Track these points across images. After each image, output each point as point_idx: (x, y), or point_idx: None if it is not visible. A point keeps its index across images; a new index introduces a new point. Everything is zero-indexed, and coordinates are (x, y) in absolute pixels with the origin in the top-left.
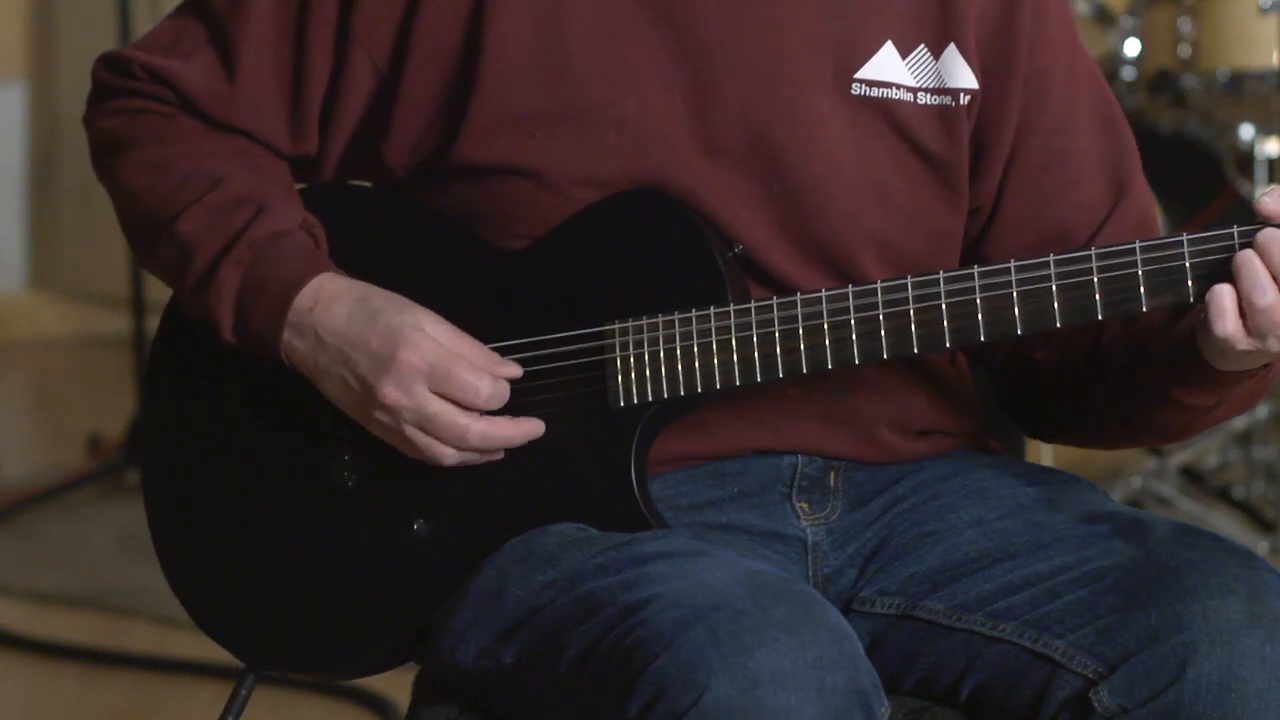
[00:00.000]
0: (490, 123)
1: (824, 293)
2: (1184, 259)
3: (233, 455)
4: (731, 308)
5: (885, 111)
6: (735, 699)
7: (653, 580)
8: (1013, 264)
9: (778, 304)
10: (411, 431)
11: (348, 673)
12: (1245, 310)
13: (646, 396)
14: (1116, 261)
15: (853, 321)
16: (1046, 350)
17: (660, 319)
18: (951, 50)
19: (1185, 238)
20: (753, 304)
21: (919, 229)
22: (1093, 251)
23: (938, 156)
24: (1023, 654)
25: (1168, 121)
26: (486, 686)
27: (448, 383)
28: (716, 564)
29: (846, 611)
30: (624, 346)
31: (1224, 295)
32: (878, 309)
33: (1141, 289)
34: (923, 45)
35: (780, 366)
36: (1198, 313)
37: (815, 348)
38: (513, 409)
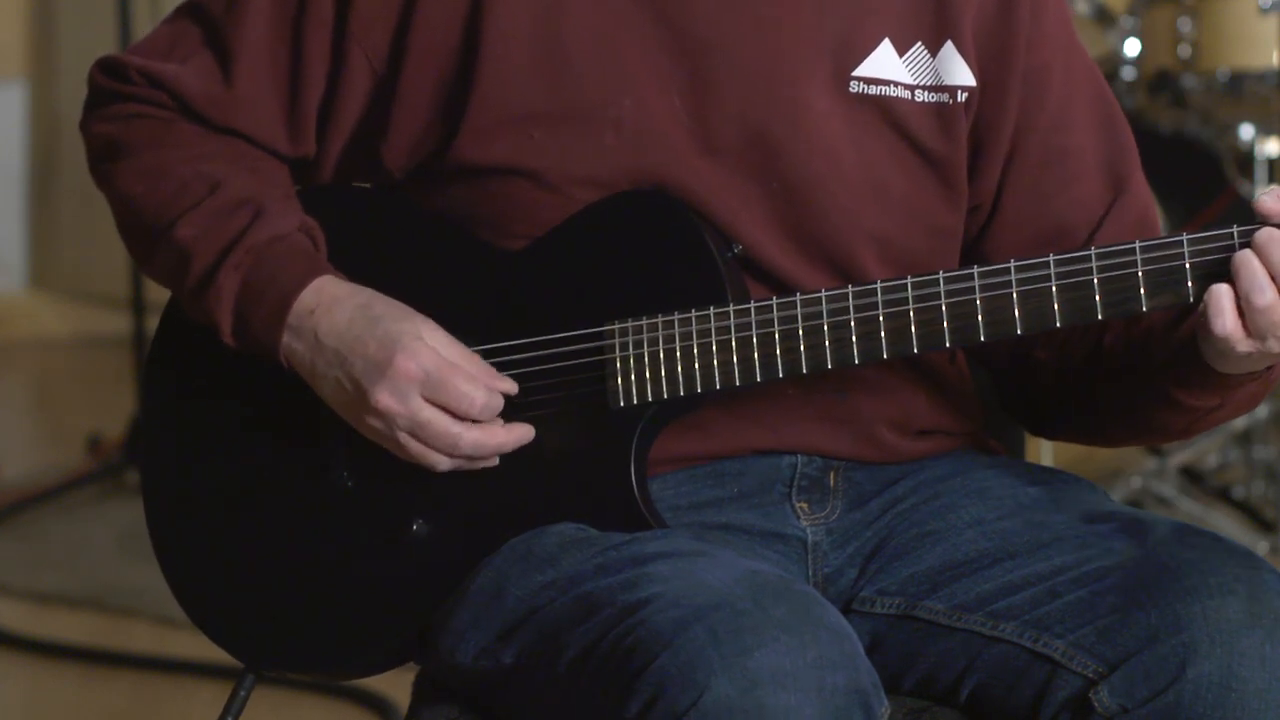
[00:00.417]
0: (489, 123)
1: (824, 293)
2: (1184, 259)
3: (232, 455)
4: (731, 308)
5: (883, 109)
6: (735, 699)
7: (652, 580)
8: (1013, 264)
9: (777, 304)
10: (404, 438)
11: (347, 673)
12: (1244, 310)
13: (646, 397)
14: (1116, 261)
15: (852, 321)
16: (1047, 350)
17: (660, 319)
18: (949, 48)
19: (1185, 237)
20: (752, 304)
21: (918, 226)
22: (1092, 251)
23: (936, 154)
24: (1023, 654)
25: (1168, 121)
26: (486, 686)
27: (443, 391)
28: (716, 564)
29: (846, 611)
30: (624, 347)
31: (1222, 295)
32: (877, 309)
33: (1141, 289)
34: (920, 43)
35: (780, 366)
36: (1199, 314)
37: (815, 348)
38: (511, 410)
